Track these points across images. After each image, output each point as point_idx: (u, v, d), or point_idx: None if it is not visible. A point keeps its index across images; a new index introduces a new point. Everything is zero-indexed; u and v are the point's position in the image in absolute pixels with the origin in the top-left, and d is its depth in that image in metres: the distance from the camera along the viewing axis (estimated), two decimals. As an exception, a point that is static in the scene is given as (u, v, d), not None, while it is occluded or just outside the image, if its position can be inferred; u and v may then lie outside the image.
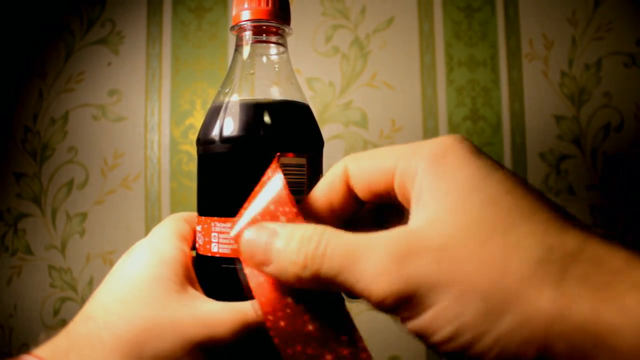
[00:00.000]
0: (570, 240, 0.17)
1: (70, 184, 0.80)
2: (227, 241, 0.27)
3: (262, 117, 0.28)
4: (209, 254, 0.27)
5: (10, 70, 0.82)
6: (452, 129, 0.77)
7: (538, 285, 0.16)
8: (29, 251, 0.80)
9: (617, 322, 0.15)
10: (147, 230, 0.79)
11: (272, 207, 0.22)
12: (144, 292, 0.24)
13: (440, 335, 0.17)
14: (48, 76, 0.81)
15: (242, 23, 0.30)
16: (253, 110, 0.28)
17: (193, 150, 0.79)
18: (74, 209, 0.80)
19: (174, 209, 0.78)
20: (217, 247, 0.27)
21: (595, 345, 0.15)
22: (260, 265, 0.20)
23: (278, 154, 0.27)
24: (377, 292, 0.17)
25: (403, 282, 0.17)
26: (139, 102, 0.80)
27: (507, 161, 0.77)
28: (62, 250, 0.80)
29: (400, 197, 0.20)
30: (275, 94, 0.31)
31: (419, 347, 0.75)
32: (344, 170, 0.22)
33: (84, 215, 0.80)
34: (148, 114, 0.80)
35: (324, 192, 0.23)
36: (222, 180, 0.28)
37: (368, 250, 0.18)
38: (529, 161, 0.77)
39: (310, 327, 0.21)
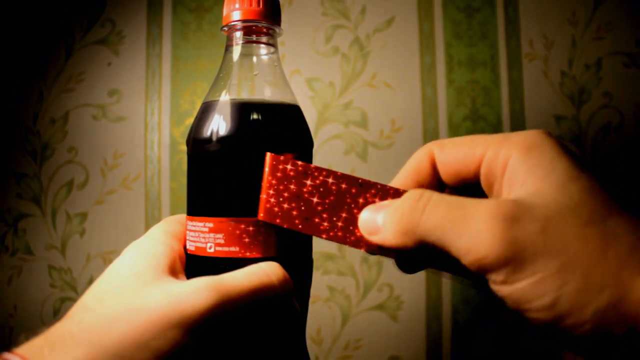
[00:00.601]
0: None
1: (70, 184, 0.80)
2: (193, 238, 0.28)
3: (244, 118, 0.28)
4: (187, 252, 0.29)
5: (10, 71, 0.82)
6: (452, 129, 0.77)
7: (632, 269, 0.17)
8: (29, 251, 0.80)
9: None
10: (147, 230, 0.79)
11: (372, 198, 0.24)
12: (121, 287, 0.24)
13: (537, 303, 0.17)
14: (48, 76, 0.81)
15: (232, 23, 0.30)
16: (233, 111, 0.28)
17: (193, 150, 0.79)
18: (74, 209, 0.80)
19: (174, 209, 0.79)
20: (188, 244, 0.29)
21: None
22: (371, 235, 0.22)
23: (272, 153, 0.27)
24: (477, 250, 0.18)
25: (508, 243, 0.17)
26: (139, 102, 0.80)
27: (507, 161, 0.77)
28: (62, 250, 0.80)
29: (484, 182, 0.21)
30: (264, 94, 0.31)
31: (419, 347, 0.75)
32: (430, 155, 0.23)
33: (84, 215, 0.80)
34: (148, 114, 0.80)
35: (412, 175, 0.24)
36: (190, 181, 0.30)
37: (472, 209, 0.18)
38: (529, 161, 0.77)
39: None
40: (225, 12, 0.30)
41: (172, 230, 0.29)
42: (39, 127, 0.81)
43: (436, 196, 0.20)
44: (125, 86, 0.80)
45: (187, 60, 0.80)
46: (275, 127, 0.28)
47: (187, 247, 0.29)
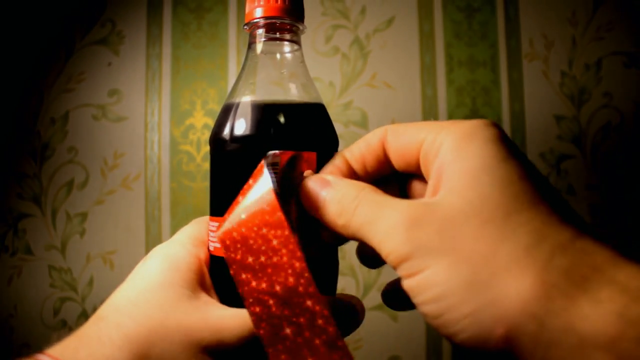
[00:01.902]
0: (563, 232, 0.18)
1: (70, 184, 0.80)
2: (212, 239, 0.28)
3: (264, 117, 0.27)
4: (209, 252, 0.28)
5: (11, 71, 0.82)
6: (452, 129, 0.77)
7: (521, 269, 0.17)
8: (29, 251, 0.80)
9: (586, 311, 0.16)
10: (147, 230, 0.79)
11: (258, 219, 0.22)
12: (155, 294, 0.24)
13: (426, 295, 0.18)
14: (48, 76, 0.81)
15: (254, 20, 0.29)
16: (253, 110, 0.28)
17: (193, 150, 0.79)
18: (74, 209, 0.80)
19: (174, 209, 0.79)
20: (210, 244, 0.28)
21: (564, 330, 0.16)
22: (314, 210, 0.23)
23: (267, 155, 0.26)
24: (385, 248, 0.20)
25: (406, 242, 0.19)
26: (139, 102, 0.80)
27: (507, 161, 0.77)
28: (62, 250, 0.80)
29: (422, 168, 0.22)
30: (287, 92, 0.30)
31: (419, 347, 0.75)
32: (383, 135, 0.24)
33: (84, 215, 0.80)
34: (148, 114, 0.80)
35: (360, 150, 0.25)
36: (210, 181, 0.29)
37: (387, 212, 0.20)
38: (529, 161, 0.77)
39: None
40: (247, 10, 0.30)
41: (198, 236, 0.29)
42: (39, 127, 0.81)
43: (367, 197, 0.21)
44: (125, 86, 0.80)
45: (187, 60, 0.80)
46: (297, 126, 0.27)
47: (209, 247, 0.29)
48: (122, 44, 0.81)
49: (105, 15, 0.81)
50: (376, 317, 0.76)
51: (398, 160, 0.23)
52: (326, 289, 0.29)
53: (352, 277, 0.76)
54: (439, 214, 0.19)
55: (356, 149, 0.25)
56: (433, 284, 0.18)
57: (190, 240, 0.28)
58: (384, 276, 0.76)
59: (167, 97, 0.80)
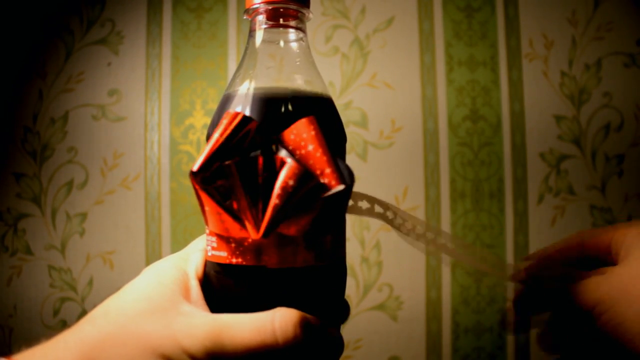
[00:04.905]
0: None
1: (70, 184, 0.80)
2: (209, 243, 0.27)
3: (264, 110, 0.25)
4: (206, 258, 0.28)
5: (10, 70, 0.82)
6: (452, 129, 0.77)
7: None
8: (28, 251, 0.80)
9: None
10: (147, 230, 0.79)
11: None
12: (128, 305, 0.24)
13: (610, 323, 0.27)
14: (48, 76, 0.81)
15: (255, 6, 0.27)
16: (252, 103, 0.26)
17: (193, 150, 0.79)
18: (73, 209, 0.80)
19: (173, 209, 0.78)
20: (207, 250, 0.27)
21: None
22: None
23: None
24: (586, 298, 0.29)
25: (598, 292, 0.29)
26: (139, 102, 0.80)
27: (507, 161, 0.77)
28: (62, 250, 0.80)
29: (613, 250, 0.32)
30: (290, 84, 0.28)
31: (419, 347, 0.75)
32: (582, 234, 0.34)
33: (83, 215, 0.80)
34: (148, 114, 0.80)
35: (559, 243, 0.35)
36: None
37: (588, 279, 0.31)
38: (529, 161, 0.77)
39: None
40: None
41: (203, 246, 0.28)
42: (38, 127, 0.81)
43: (573, 272, 0.32)
44: (124, 86, 0.80)
45: (186, 59, 0.80)
46: (297, 118, 0.25)
47: (207, 253, 0.27)
48: (122, 43, 0.81)
49: (105, 15, 0.81)
50: (376, 317, 0.76)
51: (592, 246, 0.33)
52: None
53: (352, 277, 0.76)
54: (622, 278, 0.29)
55: (557, 243, 0.35)
56: (616, 314, 0.27)
57: (186, 255, 0.28)
58: (384, 276, 0.76)
59: (166, 96, 0.80)
